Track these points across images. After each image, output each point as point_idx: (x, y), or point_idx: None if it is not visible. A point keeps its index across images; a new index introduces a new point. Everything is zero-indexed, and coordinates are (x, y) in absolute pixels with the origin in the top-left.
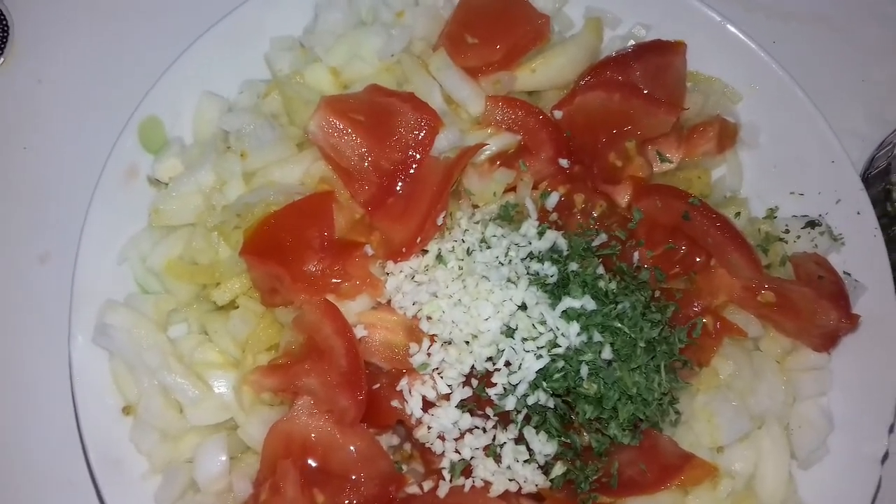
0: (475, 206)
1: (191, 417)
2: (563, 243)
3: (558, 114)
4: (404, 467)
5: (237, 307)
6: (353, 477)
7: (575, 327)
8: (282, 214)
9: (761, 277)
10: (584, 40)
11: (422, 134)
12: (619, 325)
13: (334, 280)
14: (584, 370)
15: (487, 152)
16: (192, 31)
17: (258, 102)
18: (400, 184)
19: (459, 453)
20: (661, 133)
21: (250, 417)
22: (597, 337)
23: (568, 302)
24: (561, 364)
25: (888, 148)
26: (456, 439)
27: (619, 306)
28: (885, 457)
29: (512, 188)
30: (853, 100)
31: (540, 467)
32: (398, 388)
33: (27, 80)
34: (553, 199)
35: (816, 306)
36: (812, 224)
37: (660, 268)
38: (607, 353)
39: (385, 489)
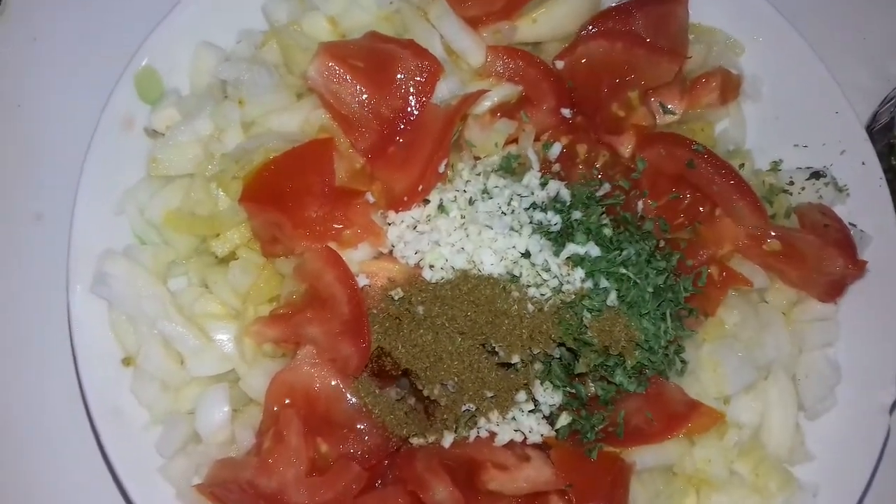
0: (477, 158)
1: (192, 368)
2: (566, 193)
3: (560, 64)
4: None
5: (237, 259)
6: (357, 426)
7: (580, 272)
8: (281, 160)
9: (767, 225)
10: None
11: (422, 80)
12: (624, 271)
13: (336, 226)
14: (588, 317)
15: (488, 103)
16: None
17: (256, 52)
18: (401, 131)
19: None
20: (663, 82)
21: (252, 369)
22: (602, 283)
23: (572, 248)
24: (568, 314)
25: (891, 103)
26: None
27: (624, 253)
28: (894, 406)
29: (513, 140)
30: (856, 56)
31: (545, 418)
32: None
33: (22, 39)
34: (556, 150)
35: (822, 254)
36: (816, 175)
37: (664, 218)
38: (612, 300)
39: (388, 439)
